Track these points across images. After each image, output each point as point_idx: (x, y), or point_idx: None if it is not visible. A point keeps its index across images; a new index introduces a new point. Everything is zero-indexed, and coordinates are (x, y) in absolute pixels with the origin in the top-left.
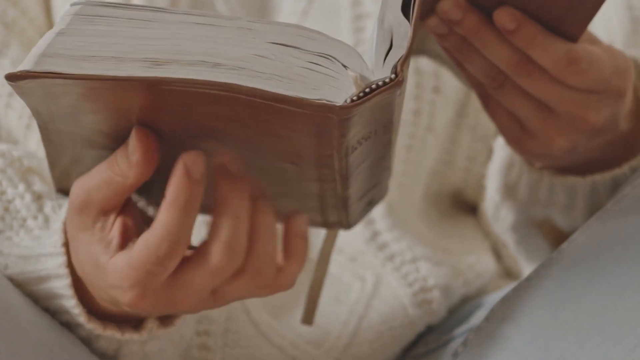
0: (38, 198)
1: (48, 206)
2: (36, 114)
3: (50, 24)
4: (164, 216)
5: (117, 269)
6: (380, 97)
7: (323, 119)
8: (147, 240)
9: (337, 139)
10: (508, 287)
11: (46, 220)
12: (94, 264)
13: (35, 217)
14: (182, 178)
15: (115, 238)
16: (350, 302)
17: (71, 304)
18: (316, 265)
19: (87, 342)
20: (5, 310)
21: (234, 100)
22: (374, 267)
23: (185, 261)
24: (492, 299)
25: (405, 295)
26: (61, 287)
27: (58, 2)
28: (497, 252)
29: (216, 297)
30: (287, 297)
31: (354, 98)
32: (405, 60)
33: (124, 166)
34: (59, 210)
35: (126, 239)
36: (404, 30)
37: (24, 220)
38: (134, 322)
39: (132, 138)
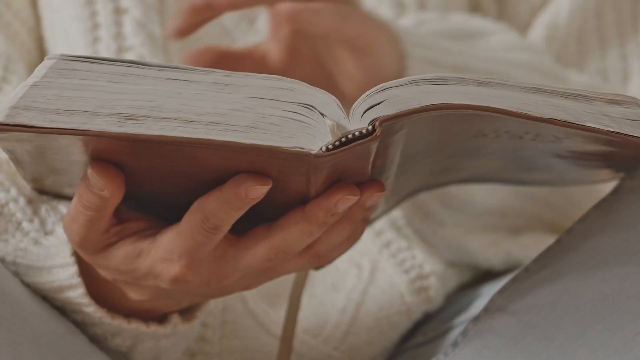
0: (30, 201)
1: (42, 209)
2: (4, 150)
3: (35, 17)
4: (216, 190)
5: (165, 240)
6: (357, 149)
7: (299, 165)
8: (195, 211)
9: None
10: (507, 277)
11: (42, 223)
12: (130, 258)
13: (31, 220)
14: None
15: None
16: (347, 289)
17: (90, 310)
18: (288, 307)
19: (101, 339)
20: (5, 299)
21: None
22: (370, 254)
23: (245, 236)
24: (491, 288)
25: (402, 282)
26: (77, 296)
27: None
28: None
29: (265, 273)
30: (284, 285)
31: (329, 147)
32: (388, 120)
33: (94, 200)
34: (52, 213)
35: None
36: (407, 101)
37: (19, 223)
38: (156, 318)
39: (92, 176)
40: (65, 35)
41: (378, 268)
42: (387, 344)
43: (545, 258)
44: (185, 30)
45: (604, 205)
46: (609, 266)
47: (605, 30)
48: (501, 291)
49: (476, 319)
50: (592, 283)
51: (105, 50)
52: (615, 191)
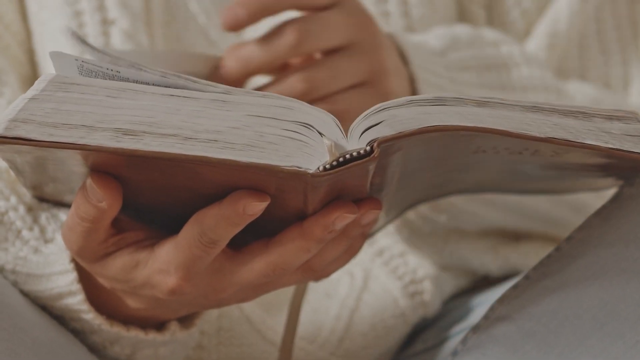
0: (30, 209)
1: (42, 217)
2: (4, 159)
3: (26, 30)
4: (215, 205)
5: (162, 251)
6: (355, 169)
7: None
8: (193, 224)
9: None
10: (507, 284)
11: (42, 231)
12: (128, 268)
13: (30, 229)
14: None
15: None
16: (341, 296)
17: (89, 317)
18: (287, 316)
19: (100, 348)
20: (4, 309)
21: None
22: (362, 262)
23: (242, 251)
24: (490, 296)
25: (395, 288)
26: (76, 303)
27: (33, 9)
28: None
29: (262, 287)
30: (280, 292)
31: (327, 166)
32: (386, 141)
33: (91, 211)
34: (52, 221)
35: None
36: (406, 123)
37: (19, 231)
38: (155, 325)
39: (91, 187)
40: (55, 47)
41: (371, 276)
42: (384, 348)
43: (545, 266)
44: (240, 25)
45: (604, 212)
46: (608, 274)
47: (605, 35)
48: (501, 299)
49: (476, 327)
50: (592, 291)
51: None
52: (615, 199)
